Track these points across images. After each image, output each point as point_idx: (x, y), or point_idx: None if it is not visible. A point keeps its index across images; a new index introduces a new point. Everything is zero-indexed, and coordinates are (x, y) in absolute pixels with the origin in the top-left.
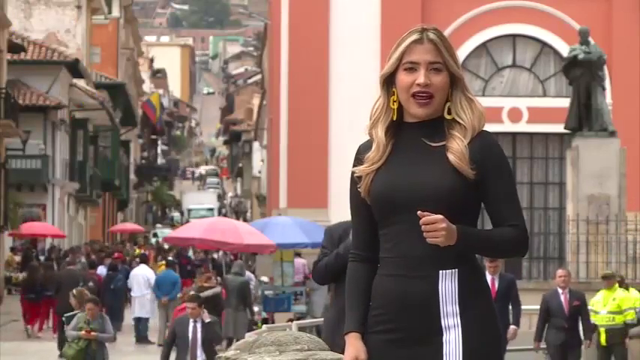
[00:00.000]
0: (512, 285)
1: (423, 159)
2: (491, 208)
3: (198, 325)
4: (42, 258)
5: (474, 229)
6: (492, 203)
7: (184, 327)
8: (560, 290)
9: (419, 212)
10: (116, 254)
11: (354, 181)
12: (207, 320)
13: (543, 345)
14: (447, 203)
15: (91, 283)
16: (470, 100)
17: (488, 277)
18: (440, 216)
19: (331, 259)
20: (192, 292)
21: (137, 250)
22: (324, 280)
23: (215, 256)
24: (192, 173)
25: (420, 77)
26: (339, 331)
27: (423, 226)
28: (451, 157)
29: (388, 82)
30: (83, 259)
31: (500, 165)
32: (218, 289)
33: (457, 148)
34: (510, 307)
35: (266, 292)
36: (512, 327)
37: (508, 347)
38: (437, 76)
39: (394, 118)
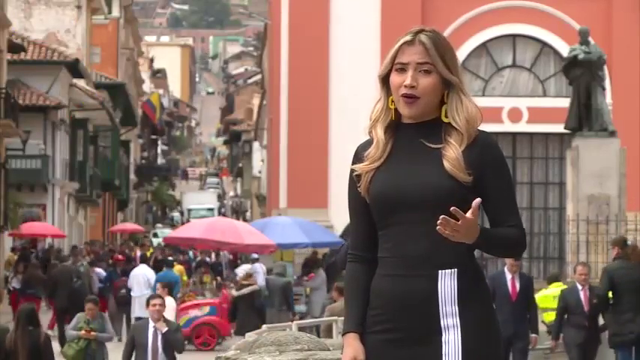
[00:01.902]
0: (530, 285)
1: (421, 159)
2: (491, 208)
3: (159, 331)
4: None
5: (489, 229)
6: (492, 204)
7: (143, 333)
8: (579, 287)
9: (452, 208)
10: (120, 256)
11: (354, 180)
12: (164, 329)
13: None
14: (446, 203)
15: (123, 291)
16: (465, 103)
17: (509, 277)
18: (472, 217)
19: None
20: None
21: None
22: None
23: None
24: (187, 173)
25: (407, 79)
26: None
27: (454, 224)
28: (446, 164)
29: (387, 82)
30: (85, 262)
31: (500, 166)
32: (256, 286)
33: (452, 155)
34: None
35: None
36: (533, 336)
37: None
38: (425, 78)
39: (393, 119)
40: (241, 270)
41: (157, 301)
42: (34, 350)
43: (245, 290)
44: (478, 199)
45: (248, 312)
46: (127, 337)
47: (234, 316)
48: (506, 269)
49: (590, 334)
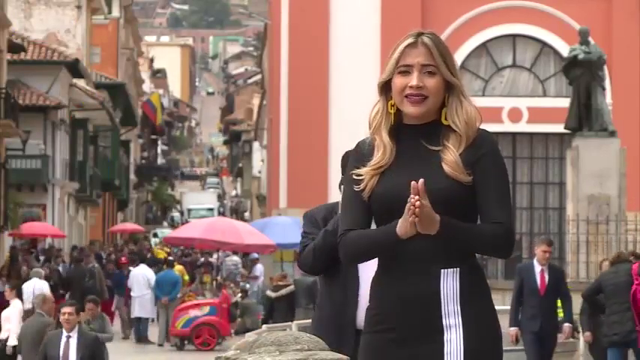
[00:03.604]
0: (562, 277)
1: (422, 161)
2: (480, 204)
3: (72, 342)
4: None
5: (457, 221)
6: (481, 200)
7: (55, 345)
8: None
9: (413, 183)
10: (123, 258)
11: (353, 181)
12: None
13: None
14: (447, 204)
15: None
16: (465, 106)
17: (538, 269)
18: (427, 203)
19: (319, 240)
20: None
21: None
22: (313, 267)
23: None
24: (182, 173)
25: (413, 79)
26: (335, 330)
27: (412, 202)
28: (446, 167)
29: (386, 87)
30: (97, 264)
31: (496, 164)
32: (292, 287)
33: (450, 159)
34: (560, 301)
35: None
36: (566, 325)
37: (510, 347)
38: (430, 79)
39: (393, 123)
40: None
41: (67, 309)
42: None
43: (283, 291)
44: (421, 180)
45: (287, 313)
46: (40, 351)
47: (270, 316)
48: (535, 261)
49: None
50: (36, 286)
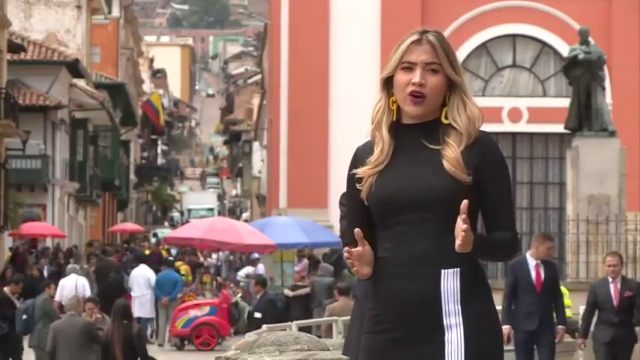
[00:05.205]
0: (555, 272)
1: (423, 160)
2: (487, 209)
3: None
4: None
5: (482, 234)
6: (489, 205)
7: None
8: (609, 279)
9: (463, 203)
10: (114, 257)
11: (354, 182)
12: None
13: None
14: (447, 204)
15: None
16: (467, 104)
17: (532, 264)
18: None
19: None
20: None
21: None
22: None
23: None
24: (181, 173)
25: (416, 76)
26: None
27: (460, 225)
28: (446, 164)
29: (388, 83)
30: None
31: (499, 167)
32: (308, 289)
33: (451, 155)
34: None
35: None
36: (560, 327)
37: (510, 347)
38: (433, 77)
39: (394, 119)
40: (243, 272)
41: None
42: (128, 341)
43: (301, 291)
44: (465, 201)
45: (301, 312)
46: None
47: (286, 314)
48: (528, 255)
49: (619, 331)
50: (78, 282)
